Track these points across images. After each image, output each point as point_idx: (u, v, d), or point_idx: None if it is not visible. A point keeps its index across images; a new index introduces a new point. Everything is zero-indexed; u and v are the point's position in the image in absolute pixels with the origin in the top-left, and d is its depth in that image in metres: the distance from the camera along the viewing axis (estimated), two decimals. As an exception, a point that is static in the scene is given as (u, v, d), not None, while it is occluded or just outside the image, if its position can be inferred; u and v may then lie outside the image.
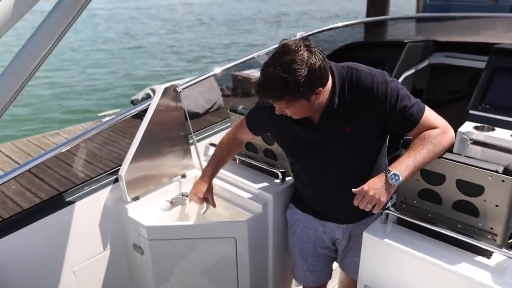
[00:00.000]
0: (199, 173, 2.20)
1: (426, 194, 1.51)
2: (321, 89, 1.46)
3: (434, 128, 1.46)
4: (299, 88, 1.38)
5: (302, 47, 1.39)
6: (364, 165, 1.60)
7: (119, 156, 1.81)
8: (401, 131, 1.54)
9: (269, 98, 1.45)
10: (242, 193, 2.02)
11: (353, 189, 1.42)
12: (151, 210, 2.03)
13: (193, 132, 2.25)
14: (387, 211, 1.61)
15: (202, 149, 2.43)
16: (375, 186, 1.39)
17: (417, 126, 1.48)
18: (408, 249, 1.47)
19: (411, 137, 1.50)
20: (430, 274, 1.43)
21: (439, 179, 1.46)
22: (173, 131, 2.13)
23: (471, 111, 2.50)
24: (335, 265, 2.05)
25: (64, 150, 2.06)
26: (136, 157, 1.96)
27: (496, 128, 2.35)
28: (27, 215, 1.79)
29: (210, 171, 1.94)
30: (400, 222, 1.60)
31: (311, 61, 1.38)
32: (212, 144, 2.46)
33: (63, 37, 1.20)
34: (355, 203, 1.43)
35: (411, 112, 1.48)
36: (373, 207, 1.40)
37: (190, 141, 2.22)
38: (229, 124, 2.38)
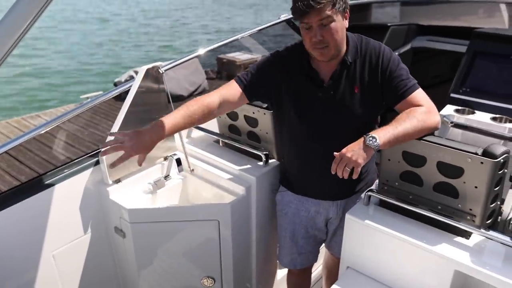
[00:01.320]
0: (182, 156, 2.16)
1: (407, 176, 1.52)
2: (347, 14, 1.56)
3: (429, 104, 1.53)
4: None
5: None
6: (359, 134, 1.55)
7: (101, 139, 1.76)
8: (392, 101, 1.59)
9: (318, 3, 1.44)
10: (226, 176, 1.99)
11: (334, 153, 1.41)
12: (133, 193, 1.99)
13: None
14: (369, 193, 1.61)
15: (185, 132, 2.38)
16: (353, 148, 1.39)
17: (406, 99, 1.54)
18: (389, 230, 1.48)
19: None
20: (411, 255, 1.44)
21: (420, 161, 1.46)
22: (155, 112, 2.08)
23: (452, 95, 2.52)
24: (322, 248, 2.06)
25: (43, 132, 2.00)
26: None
27: (476, 111, 2.37)
28: (5, 198, 1.73)
29: (167, 127, 1.51)
30: (382, 204, 1.61)
31: None
32: (196, 127, 2.42)
33: (38, 18, 1.13)
34: (333, 168, 1.40)
35: (405, 83, 1.55)
36: (352, 174, 1.39)
37: (172, 124, 2.17)
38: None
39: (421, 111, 1.47)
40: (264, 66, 1.70)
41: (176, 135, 2.20)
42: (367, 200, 1.62)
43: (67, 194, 1.88)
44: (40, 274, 1.86)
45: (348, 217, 1.57)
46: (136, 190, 2.02)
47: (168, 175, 2.14)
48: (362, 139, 1.40)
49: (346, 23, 1.56)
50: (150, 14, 21.21)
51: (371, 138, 1.38)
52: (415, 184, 1.50)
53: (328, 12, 1.46)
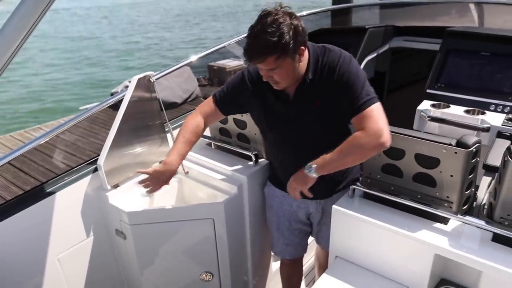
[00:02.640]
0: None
1: (388, 168, 1.53)
2: (303, 48, 1.48)
3: (373, 125, 1.39)
4: (287, 44, 1.39)
5: (280, 10, 1.42)
6: (330, 141, 1.57)
7: (100, 147, 1.76)
8: (347, 114, 1.49)
9: (260, 57, 1.41)
10: (218, 176, 2.00)
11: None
12: (131, 197, 1.99)
13: (169, 121, 2.20)
14: (353, 186, 1.63)
15: (179, 136, 2.38)
16: (296, 177, 1.59)
17: (358, 115, 1.43)
18: (373, 220, 1.49)
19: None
20: (394, 242, 1.46)
21: (399, 154, 1.47)
22: (148, 120, 2.08)
23: (428, 90, 2.54)
24: (311, 239, 2.08)
25: (45, 142, 1.99)
26: (114, 146, 1.91)
27: (451, 105, 2.40)
28: (9, 206, 1.72)
29: (178, 156, 1.70)
30: (366, 195, 1.62)
31: (293, 21, 1.41)
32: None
33: (30, 34, 1.12)
34: (289, 192, 1.65)
35: (360, 97, 1.44)
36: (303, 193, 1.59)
37: (166, 129, 2.17)
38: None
39: (360, 138, 1.40)
40: (235, 85, 1.73)
41: (170, 140, 2.20)
42: (352, 193, 1.64)
43: (68, 200, 1.87)
44: (47, 277, 1.85)
45: (335, 208, 1.58)
46: (134, 193, 2.01)
47: (164, 178, 2.14)
48: (303, 169, 1.53)
49: (302, 58, 1.49)
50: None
51: (309, 169, 1.51)
52: (396, 176, 1.52)
53: (272, 63, 1.42)
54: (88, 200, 1.94)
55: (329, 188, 1.79)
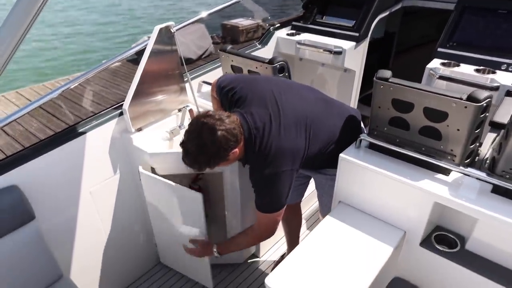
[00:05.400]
0: (194, 107, 2.11)
1: (395, 121, 1.45)
2: (235, 150, 1.44)
3: (259, 224, 1.59)
4: (215, 159, 1.42)
5: (204, 128, 1.38)
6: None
7: (123, 97, 1.73)
8: None
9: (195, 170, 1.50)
10: None
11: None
12: (153, 140, 1.97)
13: (187, 71, 2.12)
14: (361, 136, 1.56)
15: (196, 86, 2.33)
16: (201, 249, 1.82)
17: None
18: (377, 168, 1.44)
19: None
20: (396, 190, 1.42)
21: (408, 107, 1.39)
22: (169, 69, 2.01)
23: (439, 49, 2.38)
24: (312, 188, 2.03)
25: (72, 88, 1.94)
26: (137, 92, 1.85)
27: (461, 64, 2.25)
28: (46, 144, 1.72)
29: None
30: (371, 146, 1.56)
31: (217, 135, 1.37)
32: (204, 82, 2.35)
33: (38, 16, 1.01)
34: (189, 251, 1.88)
35: (257, 201, 1.54)
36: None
37: (185, 79, 2.10)
38: (219, 63, 2.25)
39: (251, 232, 1.65)
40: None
41: (188, 90, 2.13)
42: (358, 143, 1.58)
43: (97, 140, 1.86)
44: (81, 208, 1.89)
45: (341, 157, 1.53)
46: (155, 137, 1.99)
47: (182, 124, 2.11)
48: (210, 247, 1.77)
49: (233, 156, 1.46)
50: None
51: (215, 251, 1.75)
52: (403, 129, 1.44)
53: (204, 171, 1.50)
54: (114, 141, 1.93)
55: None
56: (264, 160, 1.44)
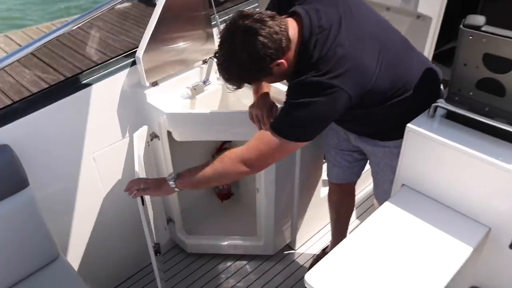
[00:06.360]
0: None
1: (486, 84, 1.34)
2: (279, 61, 1.35)
3: (251, 144, 1.41)
4: (250, 72, 1.37)
5: (238, 31, 1.30)
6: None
7: (133, 46, 1.70)
8: None
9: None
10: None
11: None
12: (171, 97, 1.95)
13: (216, 13, 2.05)
14: (435, 103, 1.47)
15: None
16: (153, 185, 1.61)
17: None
18: (457, 144, 1.35)
19: None
20: (480, 173, 1.33)
21: (505, 66, 1.27)
22: (193, 10, 1.95)
23: None
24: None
25: (71, 31, 1.90)
26: (154, 38, 1.82)
27: None
28: (41, 97, 1.71)
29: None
30: (450, 116, 1.46)
31: (251, 40, 1.29)
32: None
33: None
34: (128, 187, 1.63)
35: (275, 119, 1.44)
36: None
37: (213, 23, 2.04)
38: (257, 4, 2.17)
39: (230, 156, 1.43)
40: None
41: (216, 36, 2.07)
42: (432, 112, 1.48)
43: (104, 94, 1.85)
44: (82, 177, 1.91)
45: (409, 127, 1.44)
46: (174, 94, 1.98)
47: (208, 79, 2.08)
48: (164, 180, 1.54)
49: (279, 69, 1.37)
50: None
51: (171, 183, 1.51)
52: (495, 94, 1.33)
53: (241, 87, 1.47)
54: (124, 97, 1.91)
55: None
56: (319, 70, 1.32)
